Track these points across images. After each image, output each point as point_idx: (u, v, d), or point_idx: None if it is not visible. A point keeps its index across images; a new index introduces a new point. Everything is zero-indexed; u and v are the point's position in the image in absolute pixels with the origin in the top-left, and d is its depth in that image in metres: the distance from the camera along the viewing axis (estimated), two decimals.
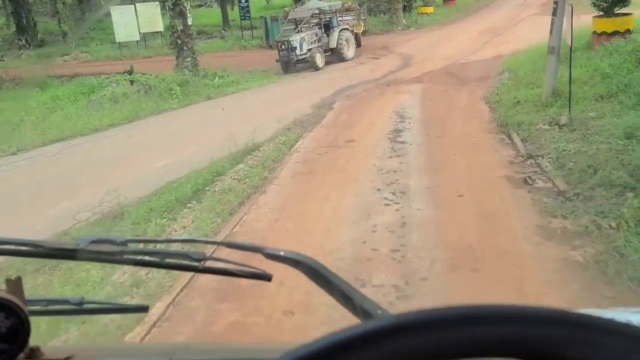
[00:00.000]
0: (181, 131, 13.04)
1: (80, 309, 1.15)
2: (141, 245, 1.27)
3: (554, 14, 11.86)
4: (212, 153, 10.47)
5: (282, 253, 1.12)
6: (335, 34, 22.01)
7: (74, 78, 20.39)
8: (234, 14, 36.75)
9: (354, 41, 23.48)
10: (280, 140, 11.44)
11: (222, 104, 16.07)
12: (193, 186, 8.70)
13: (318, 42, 21.57)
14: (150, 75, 18.26)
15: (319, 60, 21.05)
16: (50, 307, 1.14)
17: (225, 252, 1.24)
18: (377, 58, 22.62)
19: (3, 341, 0.91)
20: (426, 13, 33.50)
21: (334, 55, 22.23)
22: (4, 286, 0.96)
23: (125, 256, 1.10)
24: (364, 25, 28.55)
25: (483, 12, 34.19)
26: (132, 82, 17.48)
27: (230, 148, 10.60)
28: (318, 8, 21.90)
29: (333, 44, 21.99)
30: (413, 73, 18.72)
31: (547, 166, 8.40)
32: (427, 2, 33.90)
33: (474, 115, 12.44)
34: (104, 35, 34.24)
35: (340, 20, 23.25)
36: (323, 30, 21.94)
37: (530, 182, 7.85)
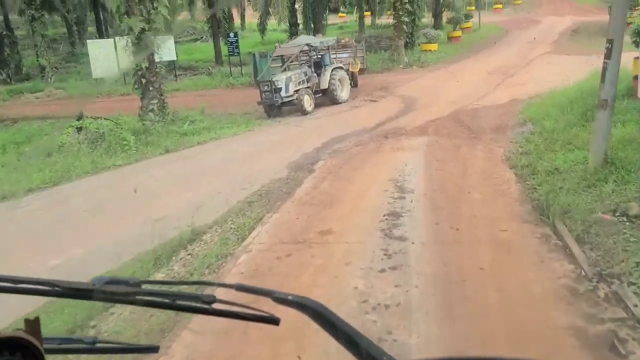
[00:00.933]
0: (105, 205, 9.67)
1: (93, 347, 1.17)
2: (154, 287, 1.23)
3: (607, 56, 8.48)
4: (128, 247, 7.09)
5: (290, 297, 1.11)
6: (327, 74, 18.75)
7: (18, 122, 17.05)
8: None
9: (349, 81, 20.25)
10: (232, 225, 8.04)
11: (181, 158, 12.72)
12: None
13: (307, 82, 18.31)
14: (106, 120, 14.97)
15: (307, 103, 17.75)
16: (65, 346, 1.14)
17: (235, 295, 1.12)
18: (375, 101, 19.31)
19: None
20: (430, 50, 30.37)
21: (326, 97, 18.94)
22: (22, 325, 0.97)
23: (138, 297, 1.08)
24: (363, 63, 25.41)
25: (491, 50, 31.02)
26: (79, 129, 14.16)
27: (162, 234, 7.24)
28: (308, 44, 18.70)
29: (324, 85, 18.70)
30: (416, 121, 15.38)
31: (638, 306, 4.96)
32: (430, 39, 30.79)
33: (497, 189, 9.03)
34: (88, 69, 31.12)
35: (333, 58, 20.04)
36: (313, 69, 18.67)
37: (621, 349, 4.39)
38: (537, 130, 12.67)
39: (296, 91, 17.74)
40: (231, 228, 7.84)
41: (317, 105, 18.43)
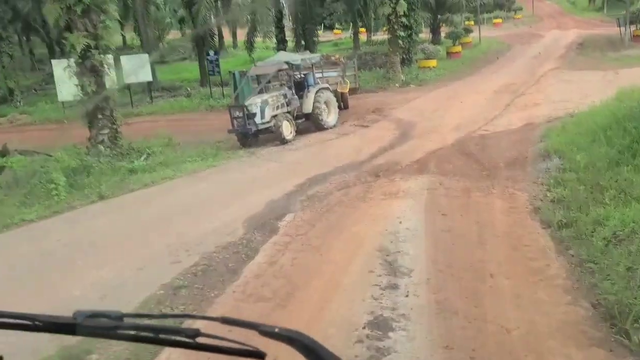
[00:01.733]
0: None
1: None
2: (136, 320, 1.19)
3: None
4: None
5: (276, 330, 1.08)
6: (310, 95, 15.88)
7: None
8: None
9: (339, 103, 17.41)
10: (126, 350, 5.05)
11: (114, 210, 9.82)
12: None
13: (287, 106, 15.44)
14: (40, 155, 12.08)
15: (287, 130, 14.86)
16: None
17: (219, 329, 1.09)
18: (367, 126, 16.42)
19: None
20: (428, 67, 27.54)
21: (311, 123, 16.04)
22: None
23: (120, 331, 1.06)
24: (355, 82, 22.58)
25: (494, 65, 28.20)
26: (1, 169, 11.26)
27: None
28: (287, 62, 15.81)
29: (308, 108, 15.83)
30: (414, 152, 12.49)
31: None
32: (429, 55, 27.96)
33: (532, 267, 6.10)
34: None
35: (319, 78, 17.18)
36: (294, 91, 15.78)
37: None
38: (567, 166, 9.77)
39: (274, 116, 14.86)
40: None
41: (300, 131, 15.55)
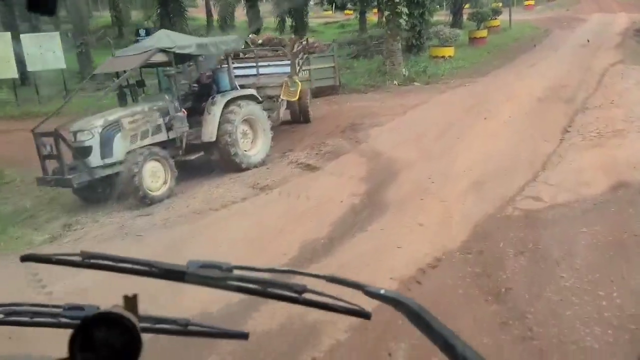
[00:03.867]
0: None
1: (185, 330, 1.14)
2: (245, 273, 1.10)
3: None
4: None
5: (382, 292, 1.02)
6: (215, 111, 8.42)
7: None
8: None
9: (295, 116, 10.06)
10: None
11: None
12: None
13: (160, 131, 8.01)
14: None
15: (153, 179, 7.46)
16: (159, 326, 1.11)
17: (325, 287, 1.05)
18: (315, 168, 8.83)
19: (118, 356, 0.87)
20: (443, 57, 19.67)
21: (220, 156, 8.61)
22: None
23: (229, 282, 1.04)
24: (335, 79, 15.00)
25: (530, 56, 20.19)
26: None
27: None
28: (165, 49, 8.09)
29: (209, 135, 8.36)
30: (379, 269, 5.04)
31: None
32: (444, 41, 20.04)
33: None
34: None
35: (245, 77, 9.76)
36: (178, 104, 8.22)
37: None
38: None
39: (130, 153, 7.41)
40: None
41: (195, 169, 8.14)
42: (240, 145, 8.64)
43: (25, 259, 1.11)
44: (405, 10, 17.10)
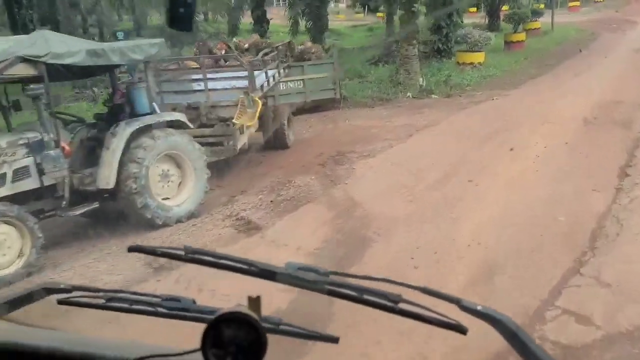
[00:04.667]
0: None
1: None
2: (340, 278, 1.10)
3: None
4: None
5: (479, 308, 1.01)
6: (115, 145, 5.76)
7: None
8: None
9: (232, 149, 7.39)
10: None
11: None
12: None
13: (23, 176, 5.40)
14: None
15: None
16: (282, 327, 1.09)
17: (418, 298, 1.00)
18: (258, 229, 6.02)
19: (244, 354, 0.89)
20: (470, 64, 16.66)
21: (123, 208, 5.99)
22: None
23: (326, 286, 1.03)
24: (335, 90, 12.23)
25: (575, 63, 16.98)
26: None
27: None
28: (29, 57, 5.52)
29: (105, 178, 5.74)
30: None
31: None
32: (473, 45, 17.00)
33: None
34: None
35: (187, 92, 7.17)
36: (55, 136, 5.62)
37: None
38: None
39: None
40: None
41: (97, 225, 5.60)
42: (153, 194, 6.01)
43: (132, 249, 1.12)
44: (423, 9, 14.14)
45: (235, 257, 1.06)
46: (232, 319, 0.89)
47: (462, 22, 20.75)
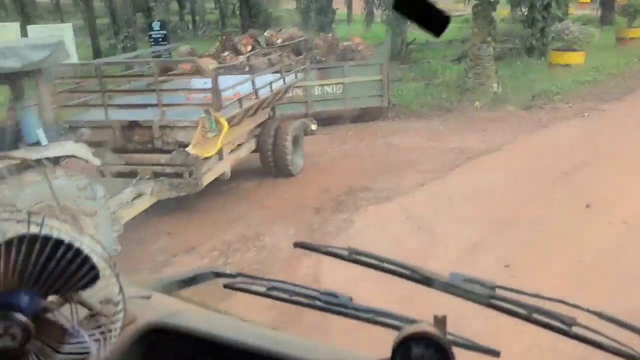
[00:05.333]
0: None
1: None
2: (507, 293, 1.04)
3: None
4: None
5: None
6: None
7: None
8: None
9: (195, 184, 5.45)
10: None
11: None
12: None
13: None
14: None
15: None
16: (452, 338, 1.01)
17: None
18: None
19: None
20: (566, 65, 13.55)
21: None
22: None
23: (492, 300, 0.98)
24: (382, 97, 10.01)
25: None
26: None
27: None
28: None
29: None
30: None
31: None
32: (571, 43, 13.78)
33: None
34: None
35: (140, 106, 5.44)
36: None
37: None
38: None
39: None
40: None
41: None
42: None
43: (297, 245, 1.13)
44: None
45: (399, 261, 1.06)
46: (422, 338, 0.90)
47: (566, 14, 17.52)
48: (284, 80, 7.06)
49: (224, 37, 10.38)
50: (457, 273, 1.02)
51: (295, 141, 7.31)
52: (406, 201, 6.07)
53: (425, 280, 1.01)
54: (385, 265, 1.05)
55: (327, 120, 9.86)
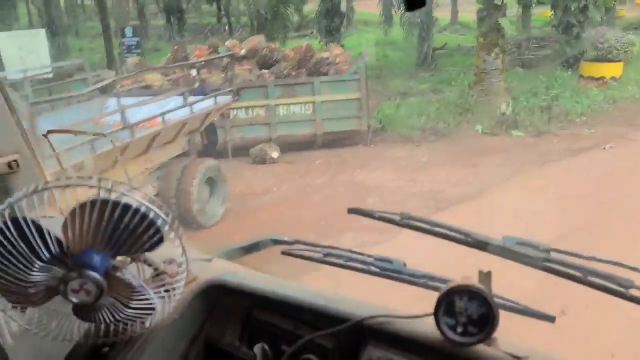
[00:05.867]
0: None
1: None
2: (562, 256, 1.04)
3: None
4: None
5: None
6: None
7: None
8: None
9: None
10: None
11: None
12: None
13: None
14: None
15: None
16: (505, 303, 1.04)
17: None
18: None
19: (475, 327, 0.91)
20: (600, 78, 11.42)
21: None
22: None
23: (546, 263, 0.98)
24: (361, 119, 8.34)
25: None
26: None
27: None
28: None
29: None
30: None
31: None
32: (606, 52, 11.62)
33: None
34: None
35: None
36: None
37: None
38: None
39: None
40: None
41: None
42: None
43: (351, 211, 1.12)
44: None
45: (452, 225, 1.04)
46: (465, 291, 0.90)
47: (609, 17, 15.33)
48: (191, 108, 5.48)
49: (175, 47, 8.91)
50: (511, 236, 1.01)
51: (211, 184, 5.74)
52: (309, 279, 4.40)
53: (479, 243, 1.01)
54: (438, 229, 1.04)
55: (294, 146, 8.31)
